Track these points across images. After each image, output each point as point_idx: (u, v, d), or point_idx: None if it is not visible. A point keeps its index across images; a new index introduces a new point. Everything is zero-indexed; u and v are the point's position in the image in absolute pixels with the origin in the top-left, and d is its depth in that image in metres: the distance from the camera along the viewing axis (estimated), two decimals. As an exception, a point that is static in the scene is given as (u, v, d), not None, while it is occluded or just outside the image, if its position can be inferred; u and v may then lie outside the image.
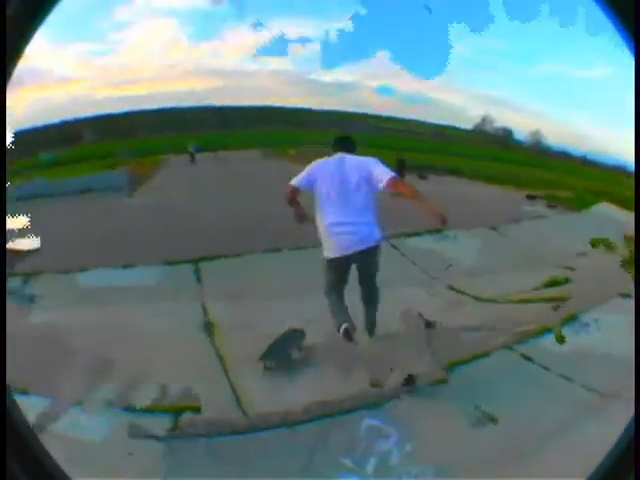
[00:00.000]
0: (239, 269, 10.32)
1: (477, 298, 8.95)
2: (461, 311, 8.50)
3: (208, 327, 8.32)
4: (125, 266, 10.77)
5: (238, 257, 10.73)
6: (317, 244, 10.40)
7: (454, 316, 8.16)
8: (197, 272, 10.34)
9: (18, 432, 1.89)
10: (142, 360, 7.05)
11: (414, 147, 21.84)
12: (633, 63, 1.80)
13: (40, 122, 25.70)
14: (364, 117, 24.55)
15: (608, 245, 10.68)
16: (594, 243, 10.88)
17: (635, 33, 1.74)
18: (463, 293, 9.17)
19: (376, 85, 26.35)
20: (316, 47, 27.83)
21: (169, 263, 10.73)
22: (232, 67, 28.40)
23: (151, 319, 8.66)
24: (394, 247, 10.68)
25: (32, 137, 25.65)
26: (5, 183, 1.99)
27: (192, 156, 23.30)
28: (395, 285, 8.83)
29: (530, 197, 14.70)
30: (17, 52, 1.86)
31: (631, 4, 1.75)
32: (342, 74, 27.16)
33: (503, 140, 21.97)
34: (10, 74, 1.86)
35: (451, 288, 9.38)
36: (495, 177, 17.62)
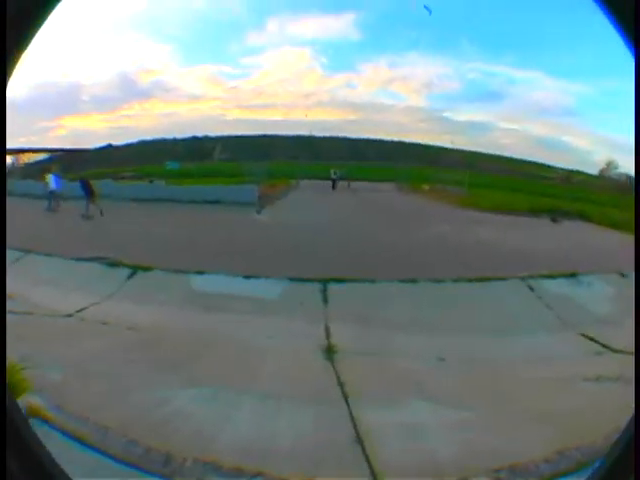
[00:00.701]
0: (371, 295, 10.16)
1: (610, 348, 8.36)
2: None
3: (330, 351, 8.04)
4: (247, 276, 10.87)
5: (371, 283, 10.56)
6: (458, 278, 10.42)
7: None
8: (324, 292, 10.19)
9: (18, 432, 1.84)
10: (244, 380, 6.74)
11: (546, 192, 21.32)
12: (633, 63, 1.71)
13: (168, 135, 27.58)
14: (498, 159, 24.20)
15: None
16: None
17: (635, 33, 1.67)
18: (596, 342, 8.66)
19: (508, 126, 26.04)
20: (454, 85, 27.84)
21: (295, 280, 10.69)
22: (366, 100, 29.08)
23: (265, 334, 8.64)
24: (531, 289, 10.39)
25: (159, 148, 27.52)
26: (5, 182, 1.91)
27: (334, 182, 23.82)
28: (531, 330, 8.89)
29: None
30: (17, 52, 1.78)
31: (631, 4, 1.68)
32: (475, 114, 27.05)
33: (626, 187, 21.21)
34: (10, 74, 1.77)
35: (584, 336, 8.88)
36: (619, 224, 16.75)
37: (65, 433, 4.76)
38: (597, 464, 1.93)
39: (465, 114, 25.31)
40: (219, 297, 10.08)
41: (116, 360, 7.00)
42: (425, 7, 22.06)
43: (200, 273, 10.98)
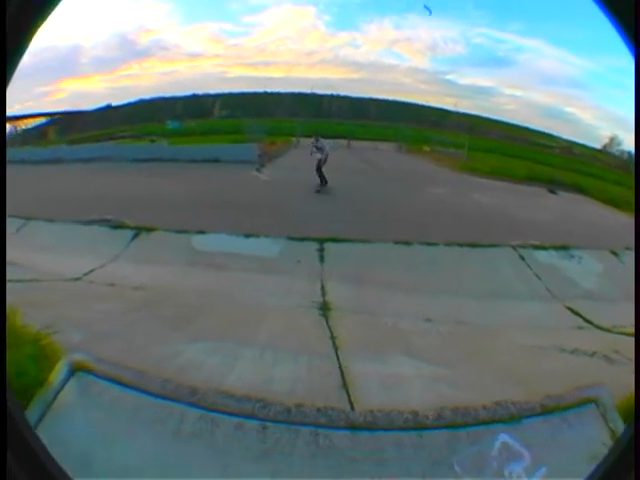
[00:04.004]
0: (366, 256, 10.43)
1: (592, 324, 8.57)
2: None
3: (324, 308, 8.38)
4: (247, 235, 11.12)
5: (367, 244, 10.84)
6: (450, 242, 10.69)
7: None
8: (321, 252, 10.48)
9: (18, 432, 1.89)
10: (245, 334, 7.07)
11: (545, 161, 21.27)
12: (633, 63, 1.83)
13: (168, 93, 27.15)
14: (499, 124, 24.12)
15: None
16: None
17: (635, 33, 1.75)
18: (580, 316, 8.83)
19: (512, 92, 25.74)
20: (459, 49, 27.45)
21: (294, 239, 10.96)
22: (369, 59, 28.66)
23: (264, 291, 8.99)
24: (522, 258, 10.63)
25: (160, 106, 27.04)
26: (5, 180, 1.95)
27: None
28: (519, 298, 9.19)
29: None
30: (18, 52, 1.82)
31: (631, 4, 1.75)
32: (480, 78, 26.69)
33: (626, 164, 21.08)
34: (11, 74, 1.83)
35: (569, 309, 9.09)
36: (617, 202, 16.62)
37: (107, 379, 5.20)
38: (597, 463, 2.07)
39: (469, 78, 24.84)
40: (220, 256, 10.37)
41: (127, 319, 7.31)
42: (425, 7, 21.60)
43: (202, 232, 11.18)
